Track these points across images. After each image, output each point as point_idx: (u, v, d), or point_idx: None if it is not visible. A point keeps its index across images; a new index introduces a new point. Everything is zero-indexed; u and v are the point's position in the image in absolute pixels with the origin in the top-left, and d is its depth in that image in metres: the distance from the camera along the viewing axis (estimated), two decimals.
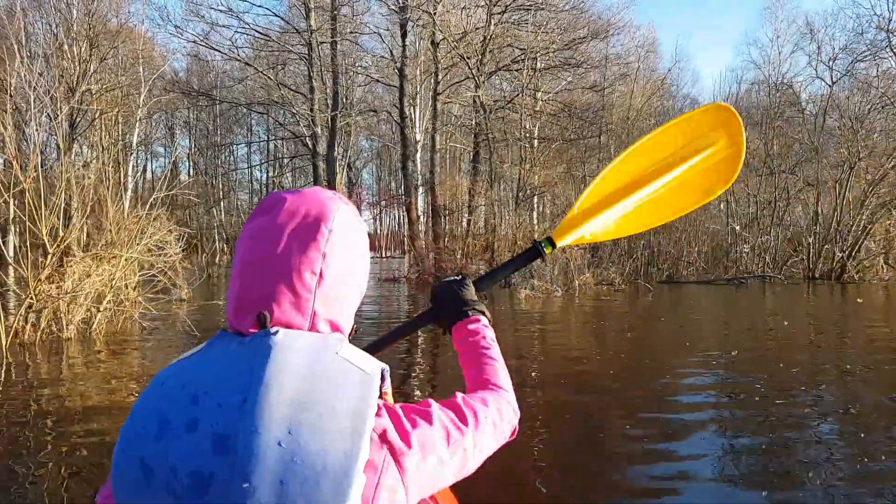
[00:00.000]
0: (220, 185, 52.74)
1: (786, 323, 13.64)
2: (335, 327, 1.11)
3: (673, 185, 1.91)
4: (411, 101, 28.28)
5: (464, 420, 1.13)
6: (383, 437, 0.99)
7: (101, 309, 10.79)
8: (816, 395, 6.87)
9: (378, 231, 57.87)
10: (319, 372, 0.98)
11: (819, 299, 19.58)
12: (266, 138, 53.99)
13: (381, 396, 1.03)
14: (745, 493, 4.30)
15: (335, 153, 29.22)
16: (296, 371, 0.96)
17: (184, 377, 1.00)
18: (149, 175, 57.73)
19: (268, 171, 53.68)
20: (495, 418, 1.22)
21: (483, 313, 1.57)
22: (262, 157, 54.88)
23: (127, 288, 11.78)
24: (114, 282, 11.33)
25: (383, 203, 43.35)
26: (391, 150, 55.02)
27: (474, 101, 25.70)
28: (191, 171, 57.61)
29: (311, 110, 27.53)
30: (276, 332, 1.01)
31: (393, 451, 0.99)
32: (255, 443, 0.90)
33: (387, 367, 1.07)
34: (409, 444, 1.00)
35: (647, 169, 1.91)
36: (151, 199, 12.41)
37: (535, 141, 25.44)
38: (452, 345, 1.55)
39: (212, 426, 0.92)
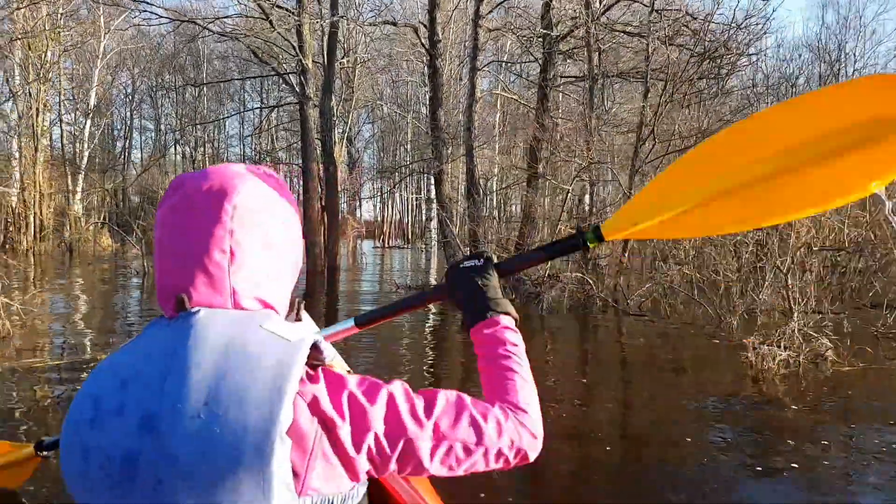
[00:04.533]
0: (205, 160, 41.88)
1: None
2: (265, 303, 0.97)
3: (795, 179, 1.12)
4: (445, 22, 16.87)
5: (428, 412, 0.94)
6: (314, 405, 0.87)
7: None
8: None
9: (384, 216, 46.57)
10: (240, 344, 0.88)
11: None
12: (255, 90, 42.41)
13: (321, 367, 0.91)
14: None
15: (331, 103, 17.89)
16: (215, 346, 0.87)
17: (116, 364, 0.92)
18: (135, 154, 47.03)
19: (257, 139, 42.14)
20: (489, 433, 0.97)
21: (507, 313, 1.18)
22: (250, 124, 43.34)
23: None
24: None
25: (401, 172, 31.42)
26: (396, 131, 44.24)
27: (544, 16, 14.59)
28: (176, 147, 46.64)
29: (298, 15, 15.91)
30: (198, 311, 0.91)
31: (324, 421, 0.87)
32: (175, 418, 0.83)
33: (320, 338, 0.93)
34: (341, 415, 0.88)
35: (767, 153, 1.15)
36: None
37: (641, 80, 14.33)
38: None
39: (137, 408, 0.86)
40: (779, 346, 6.69)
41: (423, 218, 40.65)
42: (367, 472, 0.93)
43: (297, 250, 1.05)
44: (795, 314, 8.09)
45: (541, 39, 15.52)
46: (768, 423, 5.56)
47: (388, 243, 39.78)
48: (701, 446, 5.03)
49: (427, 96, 36.73)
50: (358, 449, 0.89)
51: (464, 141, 16.71)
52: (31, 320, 8.60)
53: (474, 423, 0.96)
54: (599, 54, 12.85)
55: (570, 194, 12.62)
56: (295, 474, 0.86)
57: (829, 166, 1.15)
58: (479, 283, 1.21)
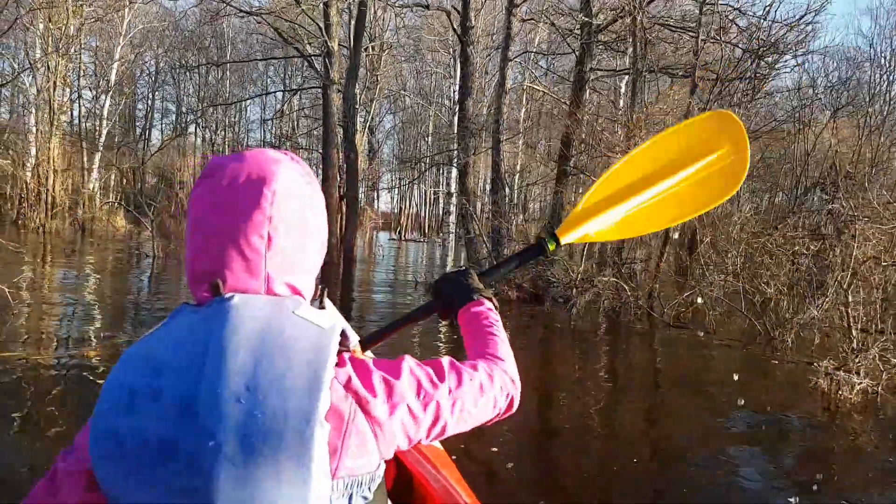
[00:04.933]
0: (225, 145, 41.36)
1: None
2: (294, 289, 0.98)
3: (677, 189, 1.65)
4: (477, 9, 16.04)
5: (440, 376, 1.00)
6: (348, 385, 0.90)
7: None
8: None
9: (402, 208, 45.77)
10: (275, 330, 0.88)
11: None
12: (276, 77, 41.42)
13: (346, 353, 0.94)
14: None
15: (356, 89, 17.20)
16: (251, 332, 0.87)
17: (147, 350, 0.91)
18: (155, 135, 46.30)
19: (278, 124, 41.35)
20: (483, 381, 1.06)
21: (490, 299, 1.36)
22: (272, 110, 42.52)
23: None
24: None
25: (424, 163, 30.35)
26: (417, 123, 43.45)
27: (584, 6, 13.79)
28: (197, 130, 45.97)
29: None
30: (231, 297, 0.91)
31: (359, 400, 0.90)
32: (215, 403, 0.83)
33: (347, 325, 1.03)
34: (373, 392, 0.91)
35: (652, 170, 1.65)
36: None
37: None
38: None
39: (174, 393, 0.85)
40: (857, 374, 5.89)
41: (441, 212, 39.89)
42: (396, 447, 0.94)
43: (324, 237, 1.05)
44: (854, 333, 7.34)
45: (578, 30, 14.71)
46: (824, 456, 4.89)
47: (405, 236, 39.14)
48: (741, 469, 4.45)
49: (452, 89, 36.07)
50: (394, 422, 0.91)
51: (491, 133, 15.94)
52: (18, 305, 8.00)
53: (472, 377, 1.04)
54: (645, 46, 11.98)
55: None
56: (330, 455, 0.85)
57: (686, 180, 1.63)
58: (464, 280, 1.38)
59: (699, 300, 9.56)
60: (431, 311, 1.45)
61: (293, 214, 0.96)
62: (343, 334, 0.93)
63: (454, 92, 33.74)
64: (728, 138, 1.62)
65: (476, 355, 1.16)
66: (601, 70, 15.15)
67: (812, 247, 8.28)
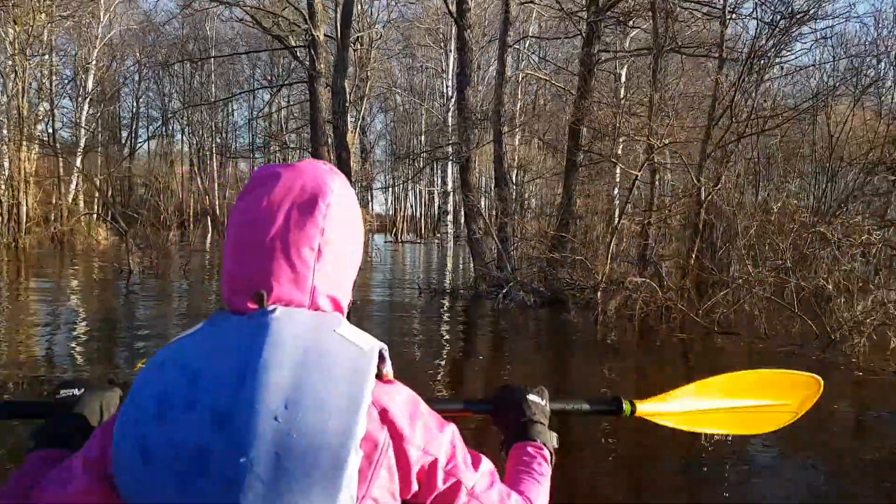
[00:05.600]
0: (213, 148, 40.10)
1: None
2: (335, 301, 0.96)
3: (738, 414, 1.71)
4: None
5: (476, 466, 0.95)
6: (384, 415, 0.86)
7: None
8: None
9: (397, 210, 44.60)
10: (317, 349, 0.84)
11: None
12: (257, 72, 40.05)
13: (380, 376, 0.89)
14: None
15: (345, 82, 16.05)
16: (293, 349, 0.83)
17: (182, 357, 0.86)
18: (142, 144, 44.78)
19: (266, 123, 40.02)
20: None
21: (551, 452, 1.21)
22: (260, 113, 41.20)
23: None
24: None
25: (422, 159, 29.03)
26: (409, 122, 42.32)
27: None
28: (184, 136, 44.62)
29: None
30: (274, 309, 0.87)
31: (394, 433, 0.86)
32: (252, 418, 0.79)
33: (385, 347, 0.91)
34: (412, 432, 0.88)
35: (728, 395, 1.71)
36: None
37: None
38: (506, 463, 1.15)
39: (210, 404, 0.80)
40: None
41: (436, 212, 38.79)
42: (410, 496, 0.90)
43: (361, 247, 1.02)
44: None
45: (583, 11, 13.59)
46: None
47: (401, 238, 38.06)
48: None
49: (445, 85, 34.94)
50: (418, 466, 0.88)
51: (492, 124, 14.84)
52: None
53: (502, 496, 0.97)
54: (667, 18, 10.81)
55: (637, 181, 10.56)
56: (359, 483, 0.82)
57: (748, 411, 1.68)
58: (530, 405, 1.25)
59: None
60: (482, 413, 1.34)
61: (343, 228, 0.95)
62: (380, 357, 0.88)
63: (447, 88, 32.66)
64: (803, 398, 1.67)
65: (512, 487, 1.06)
66: (612, 51, 14.01)
67: (877, 236, 7.17)
